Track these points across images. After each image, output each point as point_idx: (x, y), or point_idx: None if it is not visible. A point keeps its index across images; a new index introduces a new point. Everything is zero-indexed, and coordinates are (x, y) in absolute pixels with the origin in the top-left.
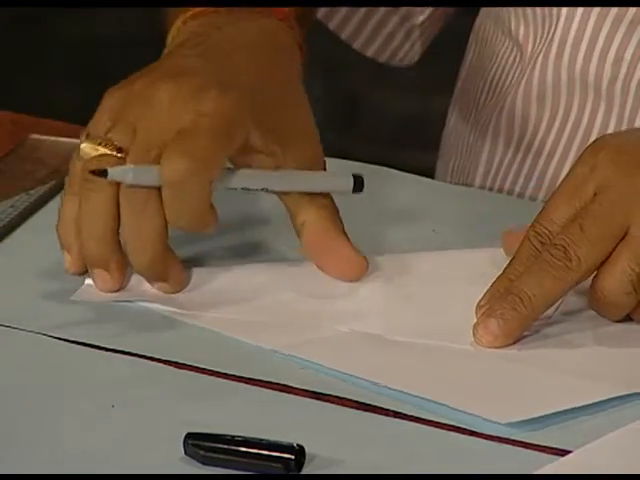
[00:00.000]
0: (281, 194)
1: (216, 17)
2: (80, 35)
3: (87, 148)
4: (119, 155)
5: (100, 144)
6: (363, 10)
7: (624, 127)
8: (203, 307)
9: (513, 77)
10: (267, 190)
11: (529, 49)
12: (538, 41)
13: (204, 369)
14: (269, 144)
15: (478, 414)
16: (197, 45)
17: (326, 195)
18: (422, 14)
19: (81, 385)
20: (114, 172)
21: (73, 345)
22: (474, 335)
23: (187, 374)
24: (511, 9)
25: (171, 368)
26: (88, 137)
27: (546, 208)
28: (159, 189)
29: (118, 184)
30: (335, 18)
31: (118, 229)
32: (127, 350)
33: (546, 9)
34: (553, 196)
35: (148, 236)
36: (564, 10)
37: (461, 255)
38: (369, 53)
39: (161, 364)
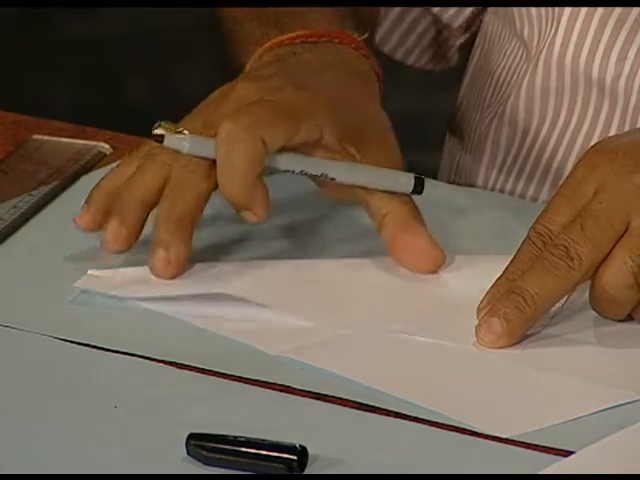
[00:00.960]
0: (347, 186)
1: (292, 46)
2: (82, 35)
3: (159, 132)
4: None
5: (171, 130)
6: (405, 24)
7: (627, 125)
8: (206, 308)
9: (518, 75)
10: (326, 177)
11: (533, 47)
12: (542, 39)
13: (206, 370)
14: (346, 146)
15: (479, 427)
16: (275, 66)
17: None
18: (460, 39)
19: (83, 386)
20: (171, 139)
21: (74, 346)
22: (477, 336)
23: (189, 375)
24: (515, 8)
25: (173, 369)
26: (160, 126)
27: (547, 208)
28: (214, 162)
29: None
30: (379, 33)
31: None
32: (128, 351)
33: (549, 8)
34: (554, 197)
35: (185, 197)
36: (567, 9)
37: (464, 260)
38: (409, 61)
39: (163, 365)
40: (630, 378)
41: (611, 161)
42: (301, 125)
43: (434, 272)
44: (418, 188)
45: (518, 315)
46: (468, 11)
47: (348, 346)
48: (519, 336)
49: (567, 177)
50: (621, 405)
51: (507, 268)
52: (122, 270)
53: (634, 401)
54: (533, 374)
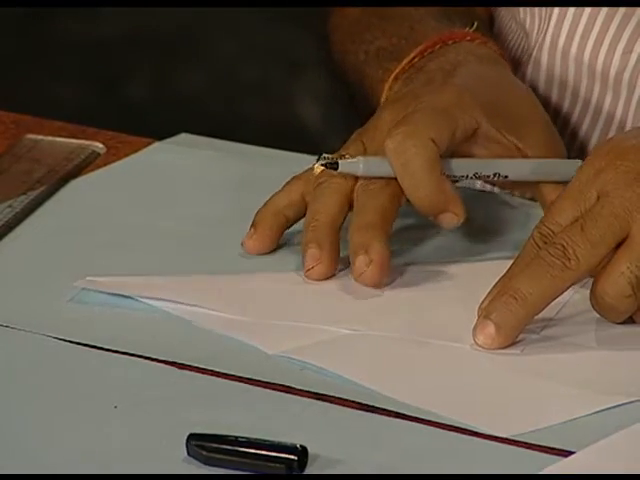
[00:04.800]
0: (513, 182)
1: (413, 67)
2: (83, 35)
3: (321, 163)
4: None
5: (334, 158)
6: None
7: (630, 118)
8: (206, 305)
9: (520, 65)
10: (499, 176)
11: (534, 36)
12: (541, 28)
13: (206, 370)
14: (505, 134)
15: (479, 427)
16: (408, 86)
17: None
18: None
19: (83, 386)
20: (345, 164)
21: (73, 346)
22: (473, 337)
23: (190, 375)
24: None
25: (173, 369)
26: (322, 158)
27: (551, 210)
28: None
29: (353, 185)
30: None
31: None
32: (129, 351)
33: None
34: (558, 199)
35: (373, 209)
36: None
37: (466, 267)
38: None
39: (163, 365)
40: (630, 379)
41: (615, 166)
42: (458, 118)
43: None
44: None
45: (510, 317)
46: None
47: (348, 346)
48: (513, 337)
49: (573, 178)
50: (621, 405)
51: (509, 269)
52: (120, 277)
53: (633, 401)
54: (533, 374)
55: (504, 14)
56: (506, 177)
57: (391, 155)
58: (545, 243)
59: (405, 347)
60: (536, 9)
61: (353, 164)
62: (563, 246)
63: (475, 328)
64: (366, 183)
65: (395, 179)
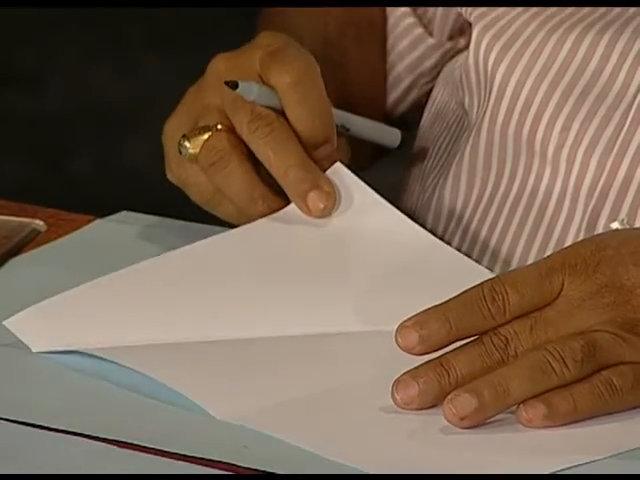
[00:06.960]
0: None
1: None
2: (25, 111)
3: (188, 144)
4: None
5: (199, 133)
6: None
7: (568, 195)
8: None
9: (459, 142)
10: (344, 127)
11: (474, 114)
12: (481, 106)
13: (148, 448)
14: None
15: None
16: None
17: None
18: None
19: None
20: (243, 86)
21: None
22: (394, 390)
23: (131, 454)
24: (458, 78)
25: (114, 447)
26: (184, 138)
27: (516, 273)
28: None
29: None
30: None
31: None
32: (65, 428)
33: (489, 78)
34: (528, 268)
35: (292, 147)
36: (513, 79)
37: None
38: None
39: (104, 443)
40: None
41: (587, 276)
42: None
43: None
44: (401, 144)
45: (437, 388)
46: (412, 97)
47: (294, 409)
48: (431, 403)
49: (549, 256)
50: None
51: (446, 302)
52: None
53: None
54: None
55: (444, 93)
56: (348, 130)
57: (287, 86)
58: (493, 299)
59: (352, 407)
60: (474, 88)
61: (249, 87)
62: (507, 339)
63: (398, 382)
64: (255, 127)
65: (280, 116)
